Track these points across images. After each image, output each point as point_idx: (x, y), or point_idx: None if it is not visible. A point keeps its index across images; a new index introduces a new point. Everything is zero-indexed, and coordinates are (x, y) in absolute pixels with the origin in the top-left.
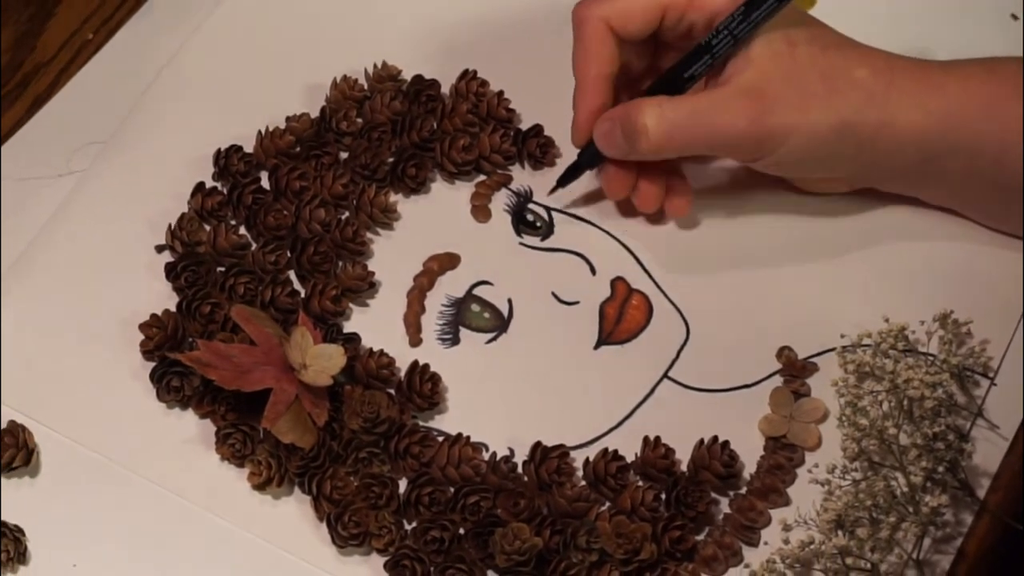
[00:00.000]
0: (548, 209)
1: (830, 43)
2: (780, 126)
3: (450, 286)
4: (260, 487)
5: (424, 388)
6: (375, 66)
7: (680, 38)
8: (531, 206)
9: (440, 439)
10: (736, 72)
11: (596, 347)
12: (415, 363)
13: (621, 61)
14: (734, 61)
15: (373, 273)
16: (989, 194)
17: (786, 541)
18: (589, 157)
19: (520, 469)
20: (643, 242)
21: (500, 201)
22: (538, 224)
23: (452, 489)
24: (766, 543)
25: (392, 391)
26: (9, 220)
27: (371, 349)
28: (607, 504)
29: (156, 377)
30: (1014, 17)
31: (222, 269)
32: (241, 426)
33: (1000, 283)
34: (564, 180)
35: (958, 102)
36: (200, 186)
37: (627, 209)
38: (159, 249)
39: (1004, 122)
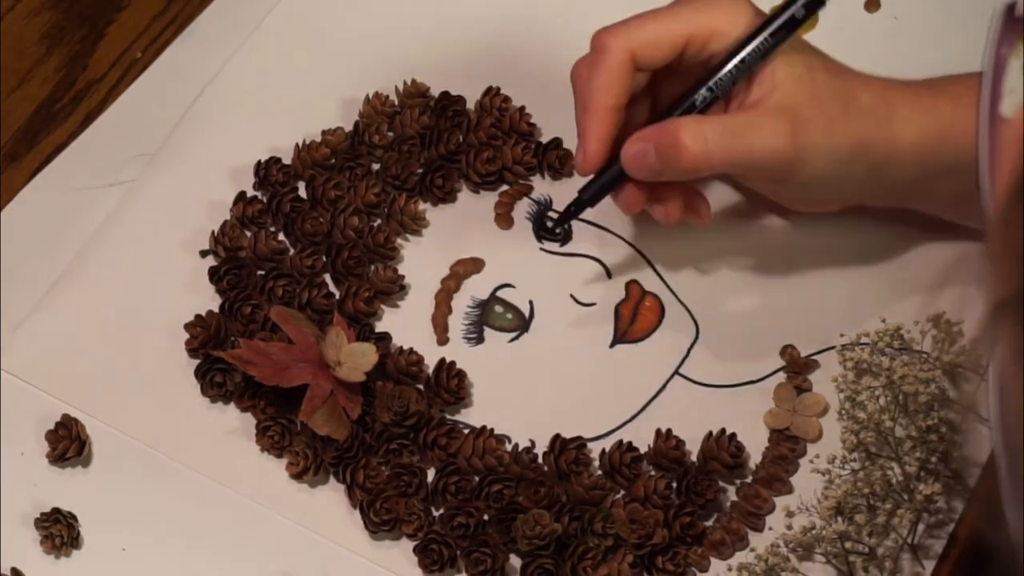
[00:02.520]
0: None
1: (837, 70)
2: (811, 145)
3: (475, 288)
4: (297, 476)
5: (451, 384)
6: (405, 83)
7: (694, 66)
8: (551, 214)
9: (466, 431)
10: (765, 94)
11: (611, 346)
12: (442, 360)
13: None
14: (760, 84)
15: (403, 276)
16: (978, 205)
17: (789, 527)
18: (600, 188)
19: (540, 459)
20: (656, 248)
21: (522, 209)
22: (557, 231)
23: (477, 478)
24: (770, 528)
25: (421, 387)
26: (64, 227)
27: (401, 347)
28: (622, 492)
29: (200, 373)
30: None
31: (262, 273)
32: (280, 419)
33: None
34: (568, 216)
35: (950, 122)
36: (241, 195)
37: (644, 216)
38: (203, 254)
39: None
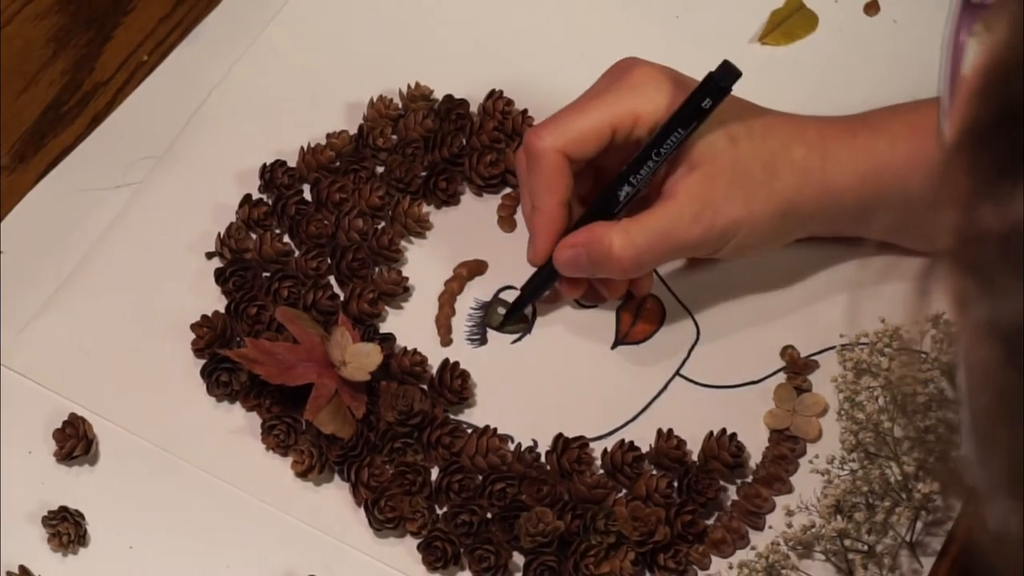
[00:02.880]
0: None
1: (766, 129)
2: (729, 223)
3: (478, 290)
4: (303, 474)
5: (454, 384)
6: (409, 87)
7: (626, 146)
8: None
9: (469, 431)
10: (685, 176)
11: (613, 347)
12: (446, 361)
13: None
14: (681, 165)
15: (407, 278)
16: (919, 231)
17: (789, 525)
18: (544, 280)
19: (543, 458)
20: None
21: None
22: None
23: (480, 477)
24: (771, 527)
25: (424, 387)
26: (71, 228)
27: (405, 348)
28: (624, 491)
29: (206, 373)
30: None
31: (267, 274)
32: (285, 418)
33: None
34: (513, 312)
35: (887, 161)
36: (247, 198)
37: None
38: (209, 256)
39: (928, 175)
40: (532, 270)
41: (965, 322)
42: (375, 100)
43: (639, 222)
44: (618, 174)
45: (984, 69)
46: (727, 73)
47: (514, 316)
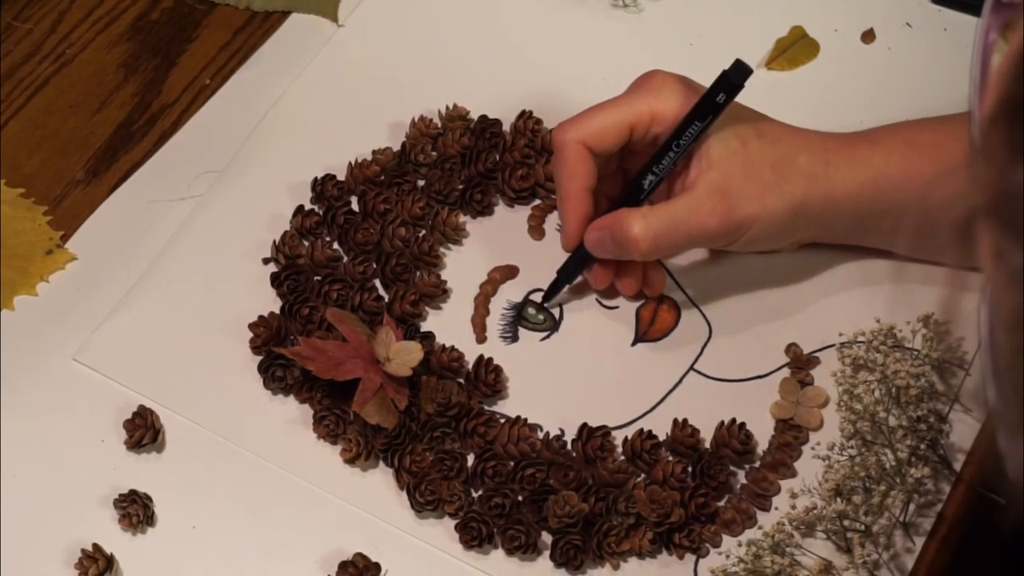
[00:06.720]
0: None
1: (774, 136)
2: (745, 217)
3: (510, 292)
4: (350, 461)
5: (488, 378)
6: (447, 107)
7: (646, 146)
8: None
9: (502, 421)
10: (700, 174)
11: (633, 344)
12: (481, 357)
13: (598, 172)
14: (697, 163)
15: (445, 282)
16: (912, 239)
17: (793, 507)
18: (575, 265)
19: (569, 446)
20: (674, 257)
21: (552, 222)
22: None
23: (512, 463)
24: (776, 508)
25: (461, 380)
26: (140, 237)
27: (444, 345)
28: (642, 475)
29: (263, 368)
30: None
31: (318, 278)
32: (334, 410)
33: (973, 290)
34: (551, 294)
35: (883, 173)
36: (300, 208)
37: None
38: (265, 261)
39: (921, 186)
40: (556, 272)
41: (998, 272)
42: (416, 120)
43: (658, 209)
44: (643, 166)
45: (1018, 52)
46: (739, 70)
47: (551, 296)
